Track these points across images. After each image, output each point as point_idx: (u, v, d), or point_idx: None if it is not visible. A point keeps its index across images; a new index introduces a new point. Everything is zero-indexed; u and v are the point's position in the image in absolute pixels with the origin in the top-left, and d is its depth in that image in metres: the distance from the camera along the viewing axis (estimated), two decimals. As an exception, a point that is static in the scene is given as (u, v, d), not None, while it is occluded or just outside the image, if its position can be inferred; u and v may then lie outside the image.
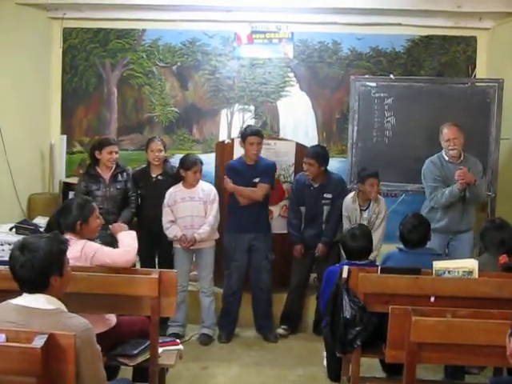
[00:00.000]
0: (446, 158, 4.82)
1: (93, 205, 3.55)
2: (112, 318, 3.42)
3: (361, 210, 4.90)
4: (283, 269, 5.16)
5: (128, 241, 3.46)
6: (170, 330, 4.76)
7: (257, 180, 4.87)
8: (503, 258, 3.74)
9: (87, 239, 3.42)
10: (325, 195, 4.99)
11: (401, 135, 5.61)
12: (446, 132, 4.77)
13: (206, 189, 4.83)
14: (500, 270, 3.73)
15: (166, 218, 4.76)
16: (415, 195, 5.43)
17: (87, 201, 3.60)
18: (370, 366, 3.94)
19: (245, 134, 4.86)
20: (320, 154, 4.96)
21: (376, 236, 4.84)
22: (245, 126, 5.53)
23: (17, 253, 2.29)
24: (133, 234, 3.56)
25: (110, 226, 3.70)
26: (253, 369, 4.39)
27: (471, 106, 5.50)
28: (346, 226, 4.83)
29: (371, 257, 4.76)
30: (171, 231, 4.75)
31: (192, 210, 4.78)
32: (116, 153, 4.87)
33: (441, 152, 4.87)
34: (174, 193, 4.80)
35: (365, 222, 4.84)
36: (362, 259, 3.90)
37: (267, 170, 4.91)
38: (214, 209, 4.80)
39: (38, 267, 2.26)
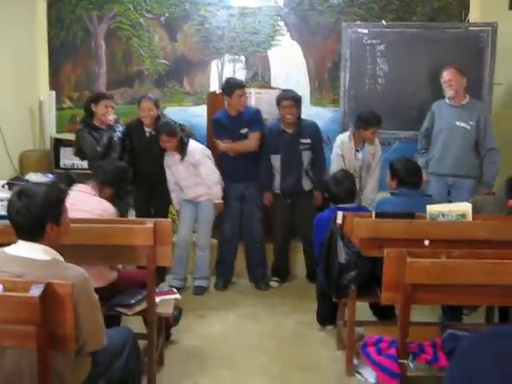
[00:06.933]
0: (447, 101, 4.89)
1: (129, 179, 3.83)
2: (113, 274, 3.47)
3: (355, 150, 4.90)
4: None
5: None
6: (171, 283, 4.82)
7: (244, 131, 4.87)
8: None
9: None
10: (301, 140, 4.92)
11: (393, 82, 5.57)
12: (445, 73, 4.84)
13: (190, 150, 4.75)
14: (507, 212, 3.84)
15: (169, 179, 4.88)
16: (409, 142, 5.41)
17: (126, 170, 3.84)
18: (364, 311, 3.99)
19: (233, 87, 4.81)
20: (299, 97, 4.93)
21: (374, 177, 4.90)
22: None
23: (14, 198, 2.27)
24: None
25: None
26: (249, 317, 4.45)
27: (464, 51, 5.44)
28: (340, 164, 4.79)
29: (369, 200, 4.81)
30: (173, 198, 4.96)
31: (186, 172, 4.78)
32: (112, 107, 4.82)
33: None
34: (168, 158, 4.82)
35: (358, 164, 4.86)
36: (347, 203, 3.92)
37: (254, 118, 4.91)
38: (205, 168, 4.77)
39: (33, 213, 2.24)
